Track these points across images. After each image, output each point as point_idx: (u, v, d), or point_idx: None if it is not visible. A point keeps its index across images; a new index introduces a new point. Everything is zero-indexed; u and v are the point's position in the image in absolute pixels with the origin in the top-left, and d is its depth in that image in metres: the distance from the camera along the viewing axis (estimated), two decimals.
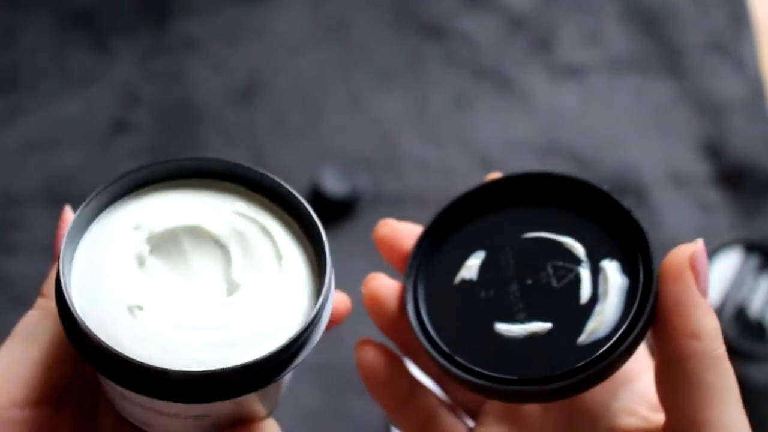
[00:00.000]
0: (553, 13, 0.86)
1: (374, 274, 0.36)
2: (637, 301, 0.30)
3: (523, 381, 0.30)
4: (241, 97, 0.80)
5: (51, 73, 0.81)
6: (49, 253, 0.74)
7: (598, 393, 0.32)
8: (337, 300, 0.33)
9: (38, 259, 0.72)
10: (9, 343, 0.30)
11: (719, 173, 0.78)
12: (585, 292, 0.31)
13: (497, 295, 0.32)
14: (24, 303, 0.72)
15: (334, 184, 0.72)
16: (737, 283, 0.62)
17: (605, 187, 0.33)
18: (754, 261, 0.62)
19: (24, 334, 0.30)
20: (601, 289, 0.31)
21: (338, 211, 0.73)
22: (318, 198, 0.72)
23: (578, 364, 0.30)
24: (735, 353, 0.60)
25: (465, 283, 0.33)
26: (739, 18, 0.86)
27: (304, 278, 0.32)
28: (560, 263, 0.32)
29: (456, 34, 0.84)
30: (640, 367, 0.34)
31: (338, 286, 0.35)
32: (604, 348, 0.30)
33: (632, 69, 0.83)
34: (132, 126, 0.78)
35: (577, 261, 0.32)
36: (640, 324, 0.30)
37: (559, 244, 0.32)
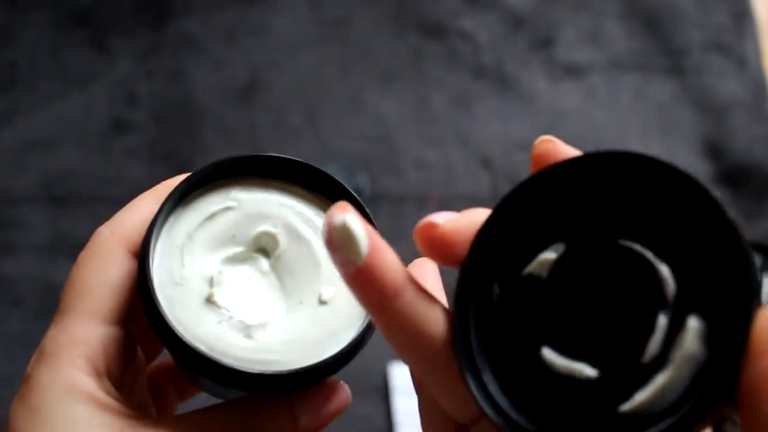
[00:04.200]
0: (554, 12, 0.86)
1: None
2: (709, 390, 0.23)
3: None
4: (240, 96, 0.80)
5: (50, 73, 0.81)
6: (47, 253, 0.74)
7: None
8: (338, 396, 0.33)
9: (37, 259, 0.72)
10: (92, 260, 0.31)
11: (720, 173, 0.78)
12: (653, 348, 0.25)
13: (559, 307, 0.27)
14: (23, 302, 0.72)
15: None
16: None
17: (726, 208, 0.25)
18: (755, 262, 0.62)
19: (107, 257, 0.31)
20: (672, 354, 0.24)
21: None
22: None
23: None
24: None
25: (532, 279, 0.27)
26: (741, 17, 0.85)
27: None
28: (642, 296, 0.25)
29: (456, 34, 0.84)
30: None
31: None
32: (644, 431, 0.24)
33: (633, 68, 0.83)
34: (131, 125, 0.78)
35: (662, 303, 0.25)
36: (701, 417, 0.24)
37: (652, 270, 0.25)
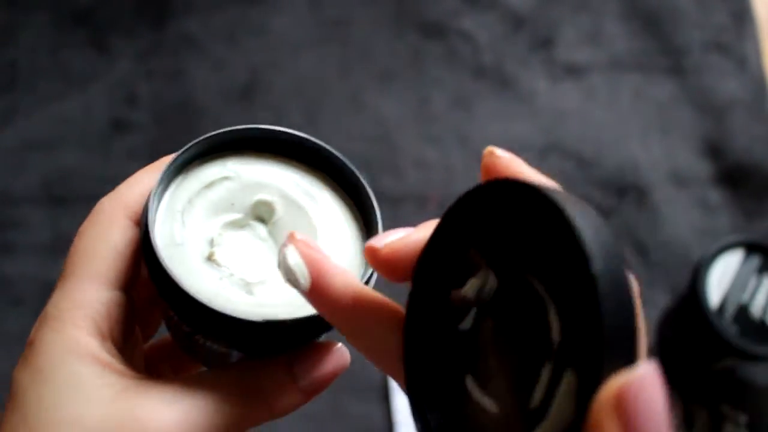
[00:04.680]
0: (554, 12, 0.86)
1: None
2: None
3: None
4: (240, 96, 0.80)
5: (50, 73, 0.81)
6: (47, 253, 0.74)
7: None
8: (335, 355, 0.33)
9: (37, 259, 0.72)
10: (99, 226, 0.32)
11: (720, 173, 0.78)
12: (537, 396, 0.24)
13: (479, 337, 0.26)
14: (22, 302, 0.72)
15: None
16: (738, 283, 0.62)
17: (582, 238, 0.22)
18: (756, 262, 0.62)
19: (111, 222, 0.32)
20: (550, 407, 0.23)
21: None
22: None
23: None
24: (737, 353, 0.60)
25: (464, 303, 0.27)
26: (741, 17, 0.85)
27: (357, 239, 0.34)
28: (537, 339, 0.24)
29: (456, 34, 0.84)
30: None
31: None
32: None
33: (633, 68, 0.83)
34: (131, 125, 0.78)
35: (547, 352, 0.23)
36: None
37: (543, 312, 0.24)
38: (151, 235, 0.30)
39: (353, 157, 0.36)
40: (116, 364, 0.30)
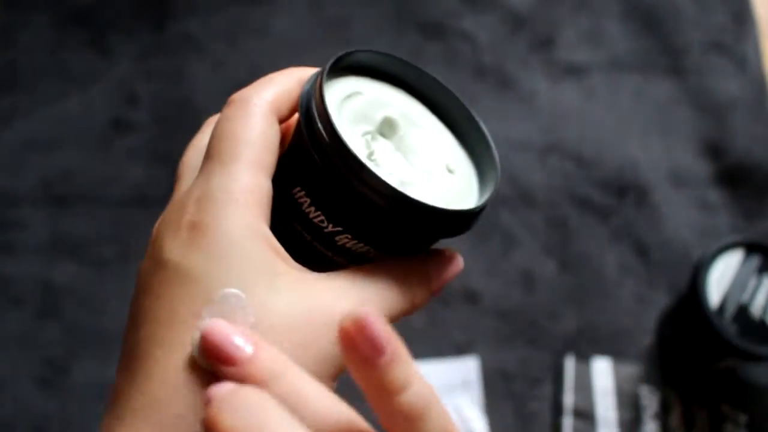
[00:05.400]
0: (554, 12, 0.86)
1: None
2: None
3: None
4: None
5: (50, 73, 0.81)
6: (47, 253, 0.74)
7: None
8: (457, 259, 0.35)
9: (37, 259, 0.72)
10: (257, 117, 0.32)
11: (720, 173, 0.78)
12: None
13: None
14: (23, 302, 0.72)
15: None
16: (739, 283, 0.62)
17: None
18: (756, 261, 0.62)
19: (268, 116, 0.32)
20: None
21: None
22: None
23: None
24: (737, 353, 0.60)
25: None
26: (741, 16, 0.85)
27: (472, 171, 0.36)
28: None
29: (456, 34, 0.84)
30: None
31: None
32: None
33: (633, 68, 0.83)
34: (131, 125, 0.78)
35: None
36: None
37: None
38: (333, 119, 0.30)
39: None
40: (283, 251, 0.30)
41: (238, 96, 0.32)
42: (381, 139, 0.34)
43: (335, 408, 0.28)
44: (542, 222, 0.75)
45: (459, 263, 0.34)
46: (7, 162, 0.76)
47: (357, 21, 0.84)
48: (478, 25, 0.85)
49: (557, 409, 0.67)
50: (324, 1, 0.85)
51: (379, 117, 0.34)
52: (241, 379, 0.27)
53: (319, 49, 0.83)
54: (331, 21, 0.84)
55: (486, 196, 0.33)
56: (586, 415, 0.66)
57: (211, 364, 0.28)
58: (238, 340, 0.27)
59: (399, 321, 0.32)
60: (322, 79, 0.32)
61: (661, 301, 0.72)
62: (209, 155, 0.31)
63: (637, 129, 0.80)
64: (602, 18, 0.86)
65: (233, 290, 0.28)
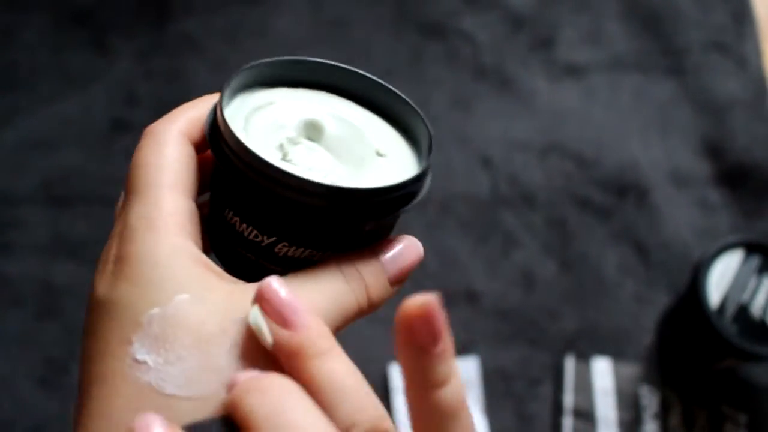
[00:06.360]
0: (554, 12, 0.86)
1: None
2: None
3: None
4: None
5: (50, 73, 0.81)
6: (47, 253, 0.74)
7: None
8: (412, 244, 0.34)
9: (37, 259, 0.72)
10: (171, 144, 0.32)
11: (720, 173, 0.78)
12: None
13: None
14: (22, 302, 0.72)
15: None
16: (738, 283, 0.62)
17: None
18: (756, 262, 0.62)
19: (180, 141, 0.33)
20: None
21: None
22: None
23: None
24: (737, 353, 0.60)
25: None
26: (741, 16, 0.85)
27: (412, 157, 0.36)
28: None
29: (456, 34, 0.84)
30: None
31: None
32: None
33: (633, 68, 0.83)
34: (131, 125, 0.78)
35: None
36: None
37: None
38: (233, 129, 0.30)
39: None
40: (215, 267, 0.30)
41: (149, 128, 0.33)
42: (304, 142, 0.34)
43: (370, 401, 0.27)
44: (542, 222, 0.75)
45: (415, 247, 0.33)
46: (7, 162, 0.76)
47: (357, 21, 0.84)
48: (478, 25, 0.85)
49: (557, 409, 0.67)
50: (324, 1, 0.85)
51: (297, 122, 0.34)
52: (289, 350, 0.27)
53: (318, 49, 0.83)
54: (331, 21, 0.84)
55: (423, 166, 0.33)
56: (586, 415, 0.66)
57: (269, 325, 0.28)
58: (297, 304, 0.28)
59: (360, 317, 0.31)
60: (221, 97, 0.32)
61: (661, 301, 0.72)
62: (126, 188, 0.31)
63: (637, 129, 0.80)
64: (602, 18, 0.86)
65: (158, 310, 0.28)
